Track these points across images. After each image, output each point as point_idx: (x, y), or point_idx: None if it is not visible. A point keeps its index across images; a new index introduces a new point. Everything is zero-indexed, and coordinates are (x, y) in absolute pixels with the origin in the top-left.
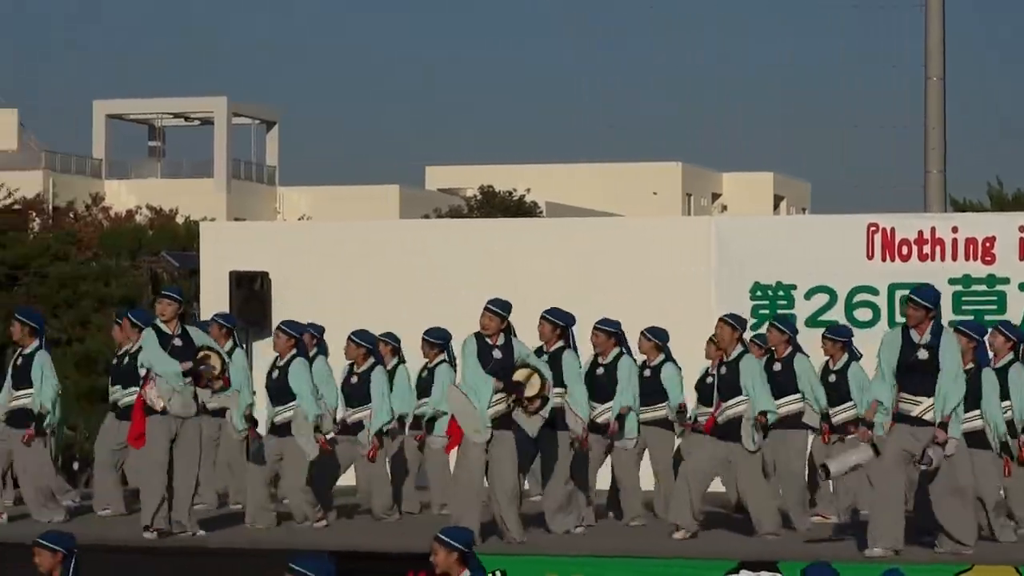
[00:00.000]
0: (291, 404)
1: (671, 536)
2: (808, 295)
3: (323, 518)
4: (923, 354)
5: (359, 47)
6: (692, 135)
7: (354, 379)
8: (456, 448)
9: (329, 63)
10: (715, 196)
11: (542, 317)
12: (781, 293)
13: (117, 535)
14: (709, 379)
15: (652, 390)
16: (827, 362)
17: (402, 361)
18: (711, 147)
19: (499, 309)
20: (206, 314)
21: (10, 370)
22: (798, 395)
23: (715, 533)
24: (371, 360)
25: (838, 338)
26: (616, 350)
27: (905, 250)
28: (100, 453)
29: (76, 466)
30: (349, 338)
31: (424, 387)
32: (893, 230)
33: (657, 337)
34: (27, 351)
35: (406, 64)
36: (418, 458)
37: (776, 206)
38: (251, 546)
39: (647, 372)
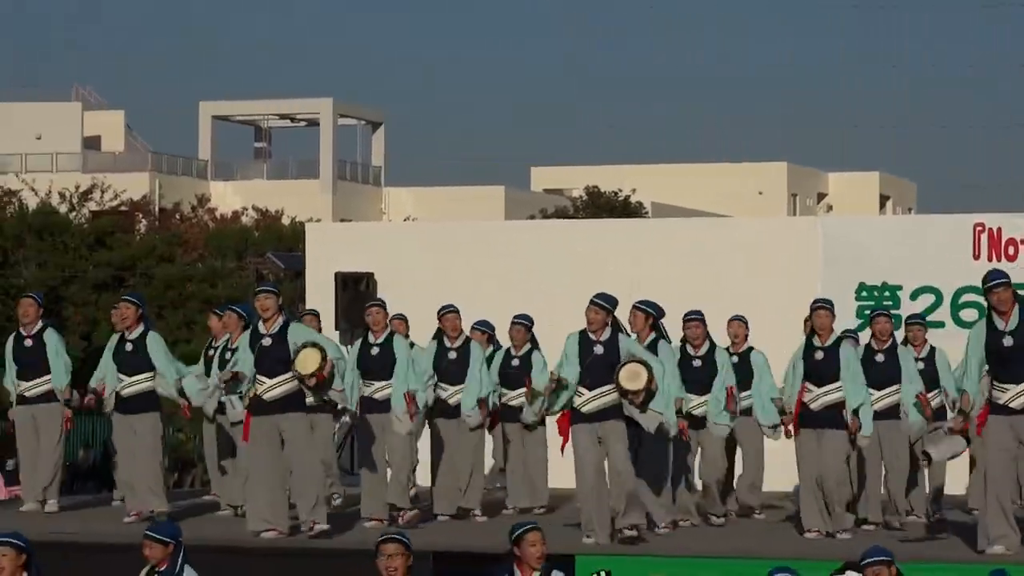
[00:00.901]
0: (390, 381)
1: (803, 535)
2: (914, 295)
3: (412, 510)
4: (1008, 341)
5: (464, 48)
6: (798, 135)
7: (452, 354)
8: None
9: (434, 64)
10: (821, 196)
11: (634, 307)
12: (887, 293)
13: (216, 533)
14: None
15: (741, 378)
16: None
17: (497, 348)
18: (817, 147)
19: (604, 303)
20: None
21: (110, 356)
22: (899, 385)
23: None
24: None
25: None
26: (707, 342)
27: (1012, 250)
28: (214, 453)
29: (179, 465)
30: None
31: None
32: (1000, 230)
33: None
34: (133, 336)
35: (511, 65)
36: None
37: (882, 206)
38: (359, 546)
39: (735, 359)
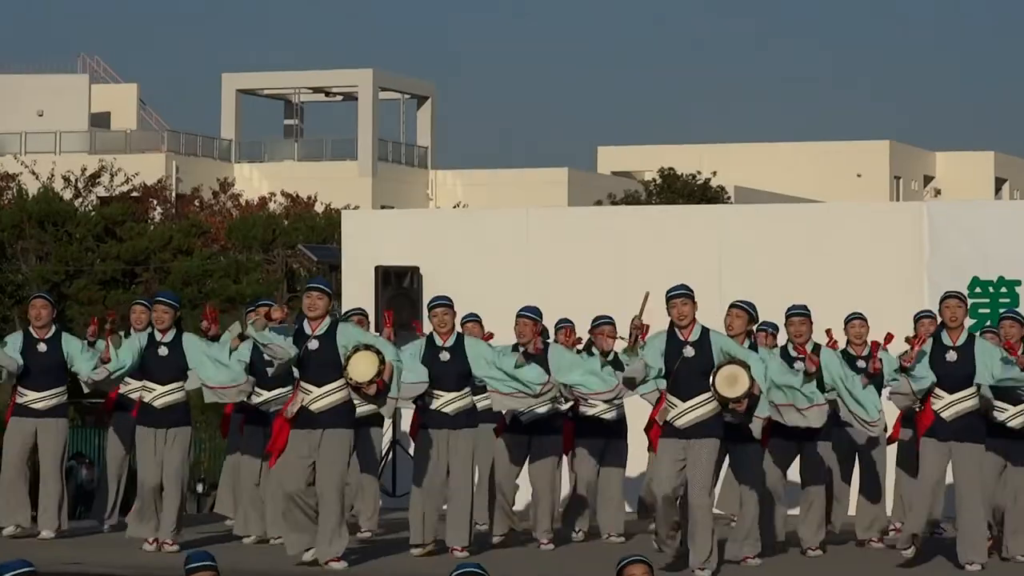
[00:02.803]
0: (466, 390)
1: (901, 552)
2: None
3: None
4: None
5: (522, 11)
6: (902, 109)
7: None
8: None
9: (487, 31)
10: (928, 179)
11: (734, 306)
12: (1004, 289)
13: (252, 564)
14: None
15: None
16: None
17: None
18: (923, 123)
19: (690, 291)
20: None
21: (133, 362)
22: None
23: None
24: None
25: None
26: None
27: None
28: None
29: (201, 488)
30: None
31: None
32: None
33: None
34: (168, 339)
35: (575, 29)
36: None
37: (997, 189)
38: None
39: (861, 364)
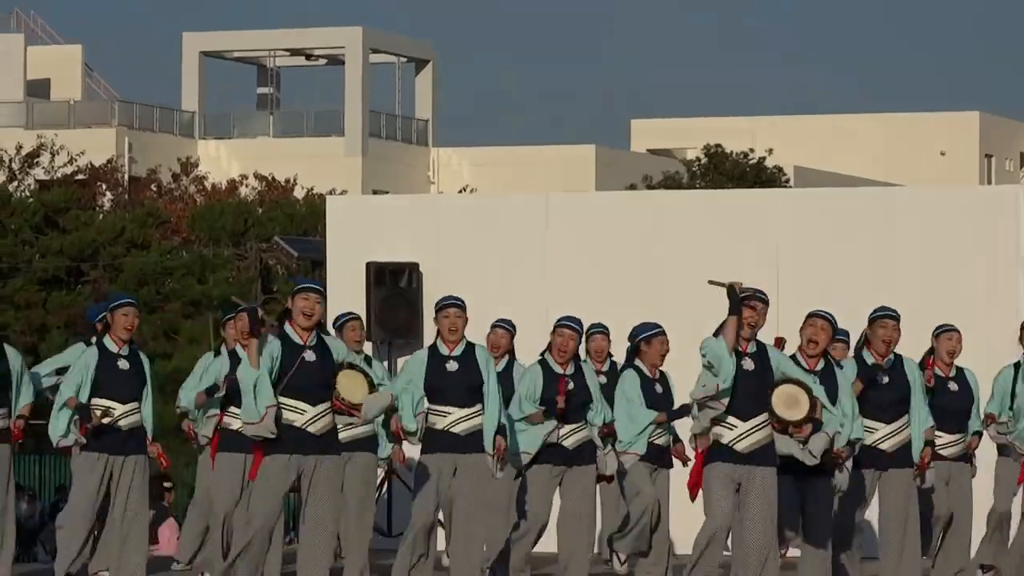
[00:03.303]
0: (478, 407)
1: None
2: None
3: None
4: None
5: None
6: (994, 75)
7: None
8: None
9: None
10: None
11: (820, 317)
12: None
13: None
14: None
15: (958, 406)
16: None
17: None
18: (1020, 91)
19: (766, 296)
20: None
21: (92, 375)
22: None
23: None
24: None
25: None
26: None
27: None
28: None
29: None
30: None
31: None
32: None
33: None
34: (126, 351)
35: None
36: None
37: None
38: None
39: (953, 386)
